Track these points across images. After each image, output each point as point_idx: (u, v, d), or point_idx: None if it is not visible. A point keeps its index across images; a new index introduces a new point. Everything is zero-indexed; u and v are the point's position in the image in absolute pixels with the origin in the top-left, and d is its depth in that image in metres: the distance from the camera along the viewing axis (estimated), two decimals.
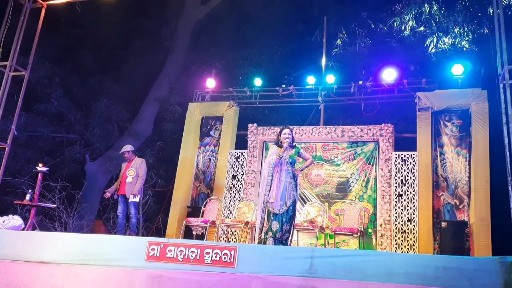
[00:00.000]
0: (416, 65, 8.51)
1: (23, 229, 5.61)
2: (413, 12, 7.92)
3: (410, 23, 8.45)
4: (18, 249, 4.64)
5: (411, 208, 6.76)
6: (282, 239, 5.06)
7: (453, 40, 8.08)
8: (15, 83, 6.96)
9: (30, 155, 10.57)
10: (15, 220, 5.60)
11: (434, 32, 8.27)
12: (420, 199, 6.74)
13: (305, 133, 7.76)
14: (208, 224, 6.59)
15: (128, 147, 7.13)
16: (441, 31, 8.17)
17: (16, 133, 6.71)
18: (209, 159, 8.43)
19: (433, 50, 8.27)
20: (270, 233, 5.05)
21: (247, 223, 6.56)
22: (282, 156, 5.21)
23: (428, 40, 8.18)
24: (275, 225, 5.06)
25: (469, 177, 6.64)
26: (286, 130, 5.35)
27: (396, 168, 7.01)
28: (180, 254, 4.18)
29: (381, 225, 6.82)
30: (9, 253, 4.62)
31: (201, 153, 8.53)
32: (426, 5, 7.94)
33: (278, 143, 5.37)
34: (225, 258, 4.05)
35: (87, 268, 4.33)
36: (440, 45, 8.18)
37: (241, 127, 8.55)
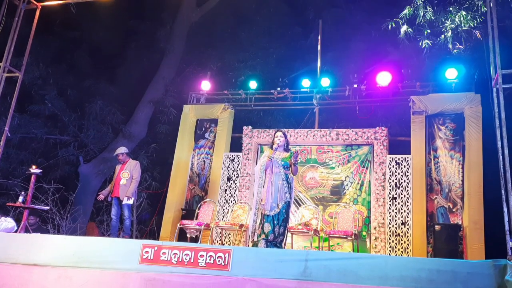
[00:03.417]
0: (410, 68, 8.54)
1: (15, 231, 5.56)
2: (408, 16, 7.95)
3: (405, 27, 8.49)
4: (11, 251, 4.60)
5: (405, 211, 6.79)
6: (276, 242, 5.06)
7: (447, 44, 8.13)
8: (8, 84, 6.92)
9: (23, 157, 10.50)
10: (8, 222, 5.56)
11: (428, 36, 8.32)
12: (414, 202, 6.76)
13: (300, 136, 7.77)
14: (203, 226, 6.57)
15: (122, 149, 7.10)
16: (435, 35, 8.22)
17: (9, 135, 6.65)
18: (204, 161, 8.42)
19: (427, 54, 8.31)
20: (262, 236, 5.05)
21: (241, 225, 6.55)
22: (273, 158, 5.22)
23: (423, 44, 8.22)
24: (267, 227, 5.07)
25: (462, 180, 6.68)
26: (279, 133, 5.39)
27: (390, 171, 7.03)
28: (174, 257, 4.16)
29: (375, 228, 6.84)
30: (1, 255, 4.58)
31: (195, 156, 8.52)
32: (421, 9, 7.99)
33: (271, 146, 5.40)
34: (219, 261, 4.04)
35: (80, 270, 4.30)
36: (434, 49, 8.22)
37: (236, 129, 8.55)
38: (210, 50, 11.78)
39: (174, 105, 10.77)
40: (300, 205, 7.36)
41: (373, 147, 7.35)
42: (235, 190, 7.88)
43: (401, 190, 6.90)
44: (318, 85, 8.17)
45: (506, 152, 4.18)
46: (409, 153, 7.05)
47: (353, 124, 7.92)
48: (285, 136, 5.41)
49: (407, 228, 6.69)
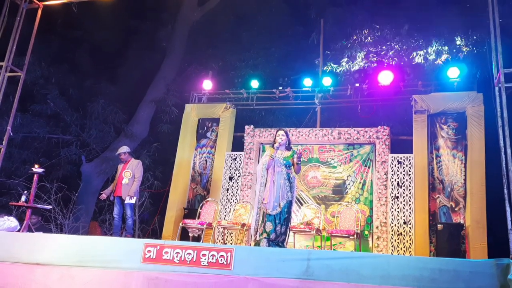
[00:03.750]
0: (412, 67, 8.53)
1: (18, 231, 5.57)
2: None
3: (407, 26, 8.49)
4: (13, 250, 4.61)
5: (407, 210, 6.78)
6: (278, 241, 5.06)
7: (449, 43, 8.12)
8: (10, 83, 6.92)
9: (25, 156, 10.52)
10: (11, 221, 5.57)
11: (430, 35, 8.32)
12: (416, 202, 6.75)
13: (302, 135, 7.77)
14: (205, 226, 6.57)
15: (124, 149, 7.11)
16: (437, 34, 8.22)
17: (11, 134, 6.66)
18: (206, 160, 8.42)
19: (430, 54, 8.31)
20: (264, 234, 5.05)
21: (243, 225, 6.55)
22: (274, 157, 5.22)
23: (425, 51, 8.23)
24: (269, 226, 5.07)
25: (465, 179, 6.67)
26: (280, 132, 5.37)
27: (392, 171, 7.02)
28: (177, 256, 4.17)
29: (377, 227, 6.84)
30: (4, 254, 4.59)
31: (197, 155, 8.52)
32: (423, 8, 7.98)
33: (273, 145, 5.39)
34: (221, 260, 4.04)
35: (82, 270, 4.31)
36: (436, 48, 8.21)
37: (238, 129, 8.55)
38: (212, 50, 11.78)
39: (176, 105, 10.78)
40: (302, 204, 7.36)
41: (375, 146, 7.34)
42: (237, 189, 7.88)
43: (403, 189, 6.89)
44: (319, 84, 8.17)
45: (509, 151, 4.17)
46: (411, 152, 7.04)
47: (355, 123, 7.92)
48: (287, 135, 5.40)
49: (410, 227, 6.68)
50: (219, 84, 9.36)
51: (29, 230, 5.80)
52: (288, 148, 5.35)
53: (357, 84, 7.98)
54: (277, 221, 5.08)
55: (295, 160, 5.17)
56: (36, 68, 10.45)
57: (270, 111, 10.51)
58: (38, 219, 7.29)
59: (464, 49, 8.13)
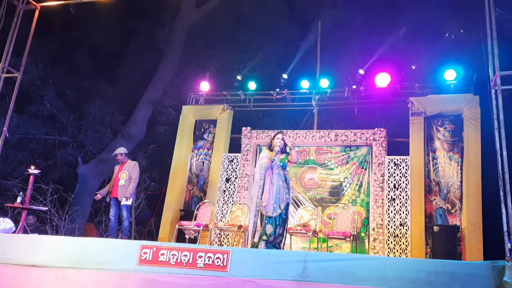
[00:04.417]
0: (409, 70, 8.56)
1: (14, 232, 5.55)
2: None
3: (404, 29, 8.52)
4: (9, 252, 4.59)
5: (403, 212, 6.79)
6: (275, 243, 5.05)
7: (446, 45, 8.16)
8: (7, 84, 6.90)
9: (22, 157, 10.49)
10: (6, 223, 5.55)
11: (428, 37, 8.35)
12: (413, 204, 6.77)
13: (299, 137, 7.77)
14: (201, 227, 6.56)
15: (121, 150, 7.09)
16: (434, 36, 8.25)
17: (8, 135, 6.64)
18: (203, 162, 8.41)
19: (426, 56, 8.33)
20: (264, 237, 5.05)
21: (240, 226, 6.54)
22: (274, 160, 5.22)
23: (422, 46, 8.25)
24: (269, 228, 5.06)
25: (461, 181, 6.68)
26: (280, 135, 5.37)
27: (389, 173, 7.03)
28: (173, 258, 4.16)
29: (373, 229, 6.84)
30: (0, 256, 4.57)
31: (194, 156, 8.51)
32: (420, 11, 8.01)
33: (270, 147, 5.38)
34: (218, 262, 4.03)
35: (78, 271, 4.29)
36: (433, 51, 8.24)
37: (235, 130, 8.55)
38: (209, 51, 11.79)
39: (173, 106, 10.77)
40: (298, 206, 7.36)
41: (371, 148, 7.36)
42: (233, 191, 7.87)
43: (400, 191, 6.90)
44: (317, 86, 8.18)
45: (505, 153, 4.18)
46: (408, 154, 7.06)
47: (352, 125, 7.92)
48: (285, 138, 5.40)
49: (406, 229, 6.69)
50: (216, 85, 9.36)
51: (25, 231, 5.78)
52: (283, 151, 5.34)
53: (354, 86, 7.98)
54: (277, 223, 5.08)
55: (289, 146, 5.21)
56: (33, 69, 10.42)
57: (267, 113, 10.52)
58: (34, 220, 7.26)
59: (461, 52, 8.15)
